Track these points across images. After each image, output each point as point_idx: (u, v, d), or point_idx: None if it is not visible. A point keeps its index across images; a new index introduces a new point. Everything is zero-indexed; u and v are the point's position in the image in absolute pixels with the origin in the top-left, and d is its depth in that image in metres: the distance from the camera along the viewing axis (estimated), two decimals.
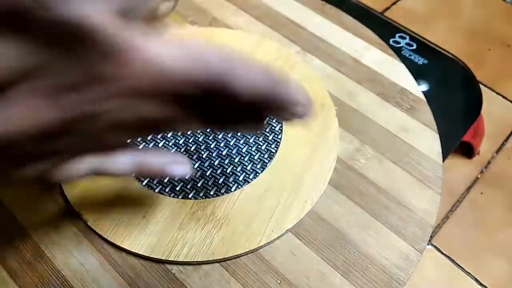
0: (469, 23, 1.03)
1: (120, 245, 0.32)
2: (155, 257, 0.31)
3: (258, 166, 0.36)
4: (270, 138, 0.38)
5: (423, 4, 1.07)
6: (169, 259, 0.31)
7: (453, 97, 0.63)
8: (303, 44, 0.45)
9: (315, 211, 0.34)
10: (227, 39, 0.44)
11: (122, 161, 0.21)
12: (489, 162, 0.83)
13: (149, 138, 0.37)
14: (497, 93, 0.92)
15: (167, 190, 0.34)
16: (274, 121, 0.38)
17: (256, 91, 0.17)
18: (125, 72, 0.15)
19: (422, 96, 0.42)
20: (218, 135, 0.38)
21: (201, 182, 0.35)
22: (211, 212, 0.33)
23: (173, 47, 0.16)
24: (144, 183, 0.35)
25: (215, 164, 0.36)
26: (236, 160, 0.36)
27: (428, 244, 0.73)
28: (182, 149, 0.37)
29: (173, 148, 0.37)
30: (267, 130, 0.38)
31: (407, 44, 0.66)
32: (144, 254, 0.31)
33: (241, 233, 0.32)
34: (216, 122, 0.20)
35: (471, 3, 1.08)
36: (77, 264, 0.32)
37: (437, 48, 0.67)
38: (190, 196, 0.34)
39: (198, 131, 0.38)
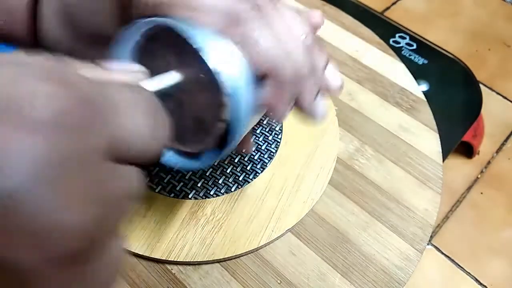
0: (469, 23, 1.03)
1: None
2: (155, 257, 0.31)
3: (258, 166, 0.36)
4: (270, 138, 0.38)
5: (423, 4, 1.07)
6: (169, 259, 0.31)
7: (453, 97, 0.63)
8: None
9: (315, 211, 0.34)
10: None
11: None
12: (489, 162, 0.83)
13: None
14: (497, 93, 0.92)
15: (167, 190, 0.34)
16: (274, 121, 0.38)
17: None
18: None
19: (422, 96, 0.42)
20: None
21: (201, 182, 0.35)
22: (211, 212, 0.33)
23: None
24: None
25: (215, 164, 0.36)
26: (236, 160, 0.36)
27: (428, 244, 0.73)
28: None
29: None
30: (267, 130, 0.38)
31: (407, 44, 0.66)
32: (144, 254, 0.31)
33: (241, 233, 0.32)
34: None
35: (471, 3, 1.08)
36: None
37: (437, 48, 0.67)
38: (190, 196, 0.34)
39: None
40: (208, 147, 0.22)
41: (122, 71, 0.16)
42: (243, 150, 0.29)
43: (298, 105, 0.23)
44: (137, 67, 0.17)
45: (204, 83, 0.20)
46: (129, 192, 0.15)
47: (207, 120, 0.21)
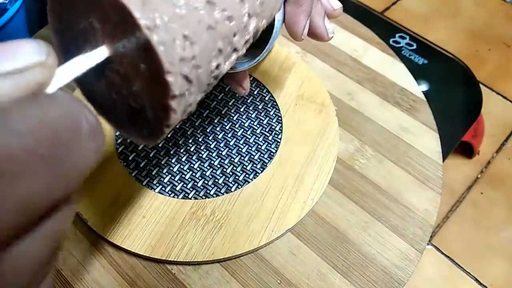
0: (469, 23, 1.03)
1: (120, 245, 0.32)
2: (155, 257, 0.31)
3: (258, 166, 0.36)
4: (270, 138, 0.38)
5: (423, 4, 1.07)
6: (169, 259, 0.31)
7: (453, 97, 0.63)
8: (303, 44, 0.45)
9: (315, 211, 0.34)
10: None
11: None
12: (489, 162, 0.83)
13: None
14: (497, 93, 0.92)
15: (167, 190, 0.34)
16: (274, 121, 0.38)
17: None
18: None
19: (422, 96, 0.42)
20: (218, 135, 0.38)
21: (201, 182, 0.35)
22: (211, 212, 0.33)
23: None
24: (144, 183, 0.35)
25: (215, 164, 0.36)
26: (236, 160, 0.36)
27: (428, 244, 0.73)
28: (182, 149, 0.37)
29: (172, 148, 0.37)
30: (267, 130, 0.38)
31: (407, 44, 0.66)
32: (144, 254, 0.31)
33: (241, 233, 0.32)
34: None
35: (471, 3, 1.08)
36: (77, 264, 0.32)
37: (437, 48, 0.67)
38: (190, 196, 0.34)
39: (198, 131, 0.38)
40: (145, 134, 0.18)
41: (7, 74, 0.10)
42: (243, 87, 0.32)
43: (312, 26, 0.29)
44: (32, 52, 0.10)
45: (142, 57, 0.15)
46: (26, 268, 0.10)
47: (145, 104, 0.16)
